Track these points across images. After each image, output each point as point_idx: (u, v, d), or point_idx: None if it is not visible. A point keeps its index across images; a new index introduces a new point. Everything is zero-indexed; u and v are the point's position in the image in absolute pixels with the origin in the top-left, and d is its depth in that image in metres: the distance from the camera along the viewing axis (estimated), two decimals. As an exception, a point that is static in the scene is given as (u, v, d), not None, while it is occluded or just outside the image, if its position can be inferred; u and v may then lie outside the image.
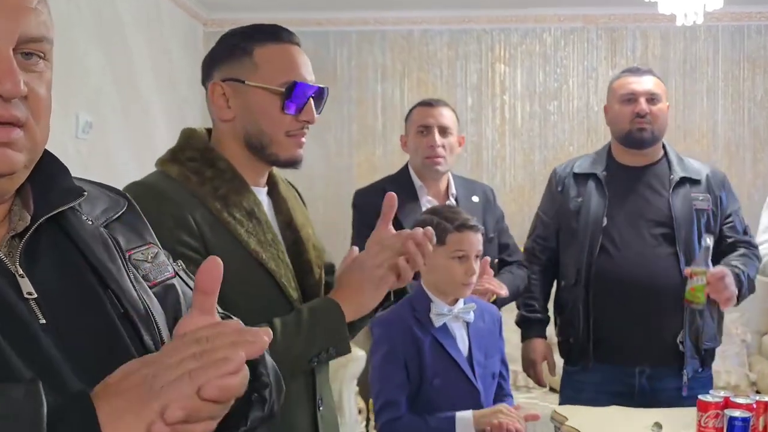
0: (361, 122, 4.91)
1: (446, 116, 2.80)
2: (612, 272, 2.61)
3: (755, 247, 2.72)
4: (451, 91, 4.89)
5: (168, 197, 1.44)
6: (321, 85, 1.55)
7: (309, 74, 1.53)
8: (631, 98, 2.67)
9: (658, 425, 2.26)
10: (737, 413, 1.88)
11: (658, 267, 2.59)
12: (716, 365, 4.14)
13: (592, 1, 4.67)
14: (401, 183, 2.80)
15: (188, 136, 1.56)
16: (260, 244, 1.48)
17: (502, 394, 2.26)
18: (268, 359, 0.93)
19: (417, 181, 2.79)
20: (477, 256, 2.16)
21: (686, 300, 2.48)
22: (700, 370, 2.63)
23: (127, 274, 0.89)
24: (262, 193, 1.58)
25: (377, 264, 1.46)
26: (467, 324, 2.19)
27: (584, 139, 4.89)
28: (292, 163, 1.55)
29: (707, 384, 2.68)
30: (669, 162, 2.72)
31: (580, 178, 2.76)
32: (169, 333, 0.88)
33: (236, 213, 1.47)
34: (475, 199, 2.84)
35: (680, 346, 2.58)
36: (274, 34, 1.54)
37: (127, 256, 0.91)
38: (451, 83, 4.91)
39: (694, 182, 2.67)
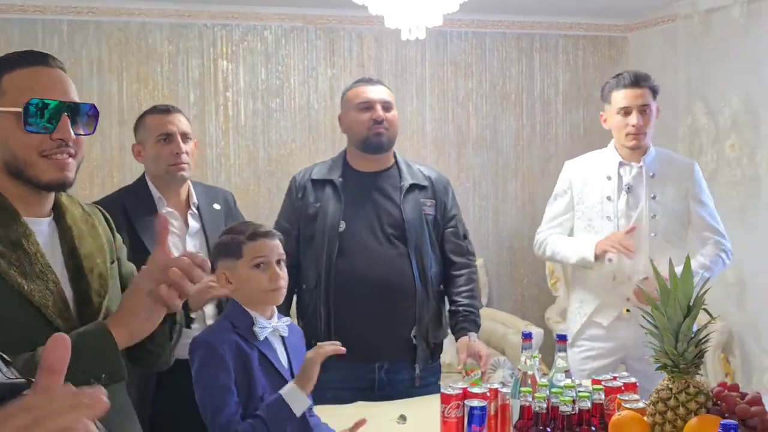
0: (76, 119, 4.59)
1: (184, 122, 2.76)
2: (350, 275, 2.74)
3: (473, 255, 2.98)
4: (173, 87, 4.76)
5: None
6: (78, 101, 1.53)
7: (61, 93, 1.51)
8: (368, 106, 2.81)
9: (402, 417, 2.43)
10: (475, 402, 2.07)
11: (393, 268, 2.75)
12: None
13: (311, 2, 4.79)
14: (139, 195, 2.71)
15: None
16: (24, 276, 1.44)
17: (308, 407, 2.27)
18: None
19: (155, 193, 2.71)
20: (279, 261, 2.19)
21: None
22: (430, 361, 2.86)
23: None
24: (39, 223, 1.55)
25: (151, 289, 1.43)
26: (282, 338, 2.21)
27: (306, 137, 5.02)
28: (57, 186, 1.53)
29: (437, 371, 2.93)
30: (399, 169, 2.89)
31: (318, 184, 2.85)
32: None
33: None
34: (217, 206, 2.82)
35: (413, 340, 2.79)
36: (24, 58, 1.54)
37: None
38: (172, 79, 4.77)
39: (422, 188, 2.86)
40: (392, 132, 2.84)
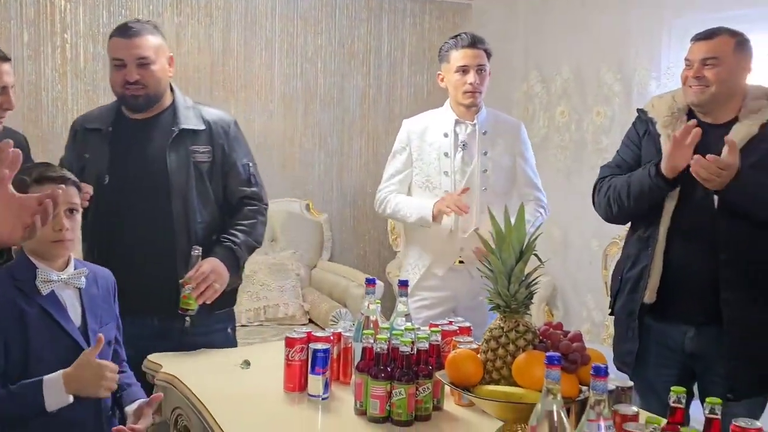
0: None
1: (6, 70, 2.51)
2: (110, 233, 2.63)
3: (259, 199, 2.78)
4: (4, 25, 4.45)
5: None
6: None
7: None
8: (120, 64, 2.58)
9: (246, 362, 2.45)
10: (319, 345, 2.15)
11: (155, 224, 2.61)
12: (276, 298, 4.58)
13: (156, -55, 4.62)
14: None
15: None
16: None
17: (118, 360, 2.21)
18: None
19: None
20: (72, 210, 2.08)
21: (181, 308, 2.51)
22: (217, 311, 2.71)
23: None
24: None
25: None
26: (80, 291, 2.08)
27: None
28: None
29: (225, 320, 2.82)
30: (175, 111, 2.67)
31: (89, 132, 2.68)
32: None
33: None
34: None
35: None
36: None
37: None
38: (4, 16, 4.45)
39: (195, 133, 2.66)
40: (153, 89, 2.60)
